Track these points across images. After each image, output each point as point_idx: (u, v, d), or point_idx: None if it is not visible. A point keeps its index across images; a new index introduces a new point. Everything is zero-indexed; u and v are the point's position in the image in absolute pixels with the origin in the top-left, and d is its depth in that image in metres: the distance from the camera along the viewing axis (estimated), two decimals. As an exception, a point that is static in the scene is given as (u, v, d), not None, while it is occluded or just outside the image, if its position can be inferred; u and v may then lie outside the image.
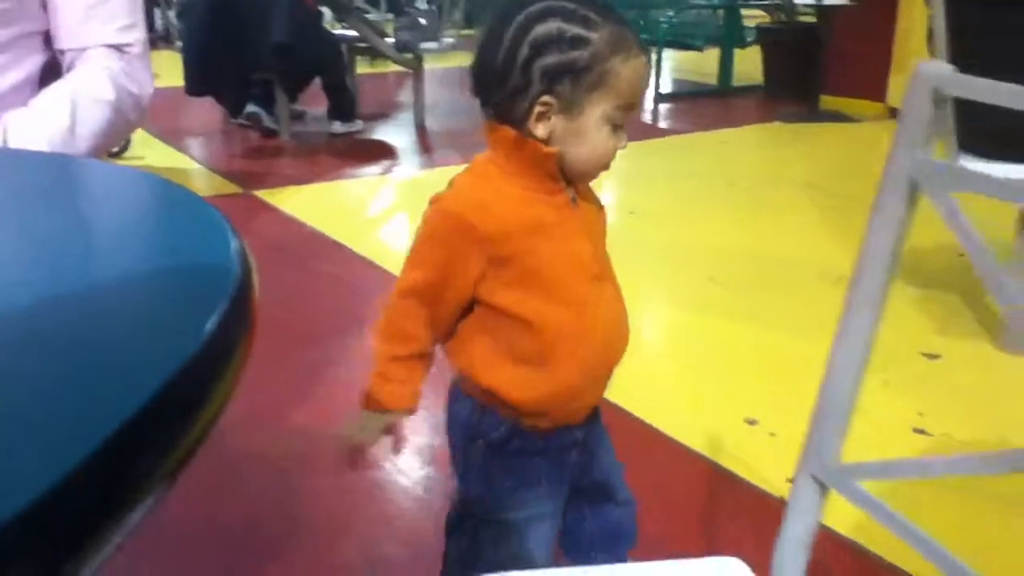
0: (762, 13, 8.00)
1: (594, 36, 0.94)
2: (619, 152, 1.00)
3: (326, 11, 6.10)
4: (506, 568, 0.95)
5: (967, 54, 2.17)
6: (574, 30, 0.94)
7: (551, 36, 0.94)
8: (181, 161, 4.82)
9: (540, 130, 0.96)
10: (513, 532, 1.11)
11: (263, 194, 4.06)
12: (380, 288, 2.94)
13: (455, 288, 1.00)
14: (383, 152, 5.17)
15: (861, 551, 1.55)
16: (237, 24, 4.83)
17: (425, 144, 5.41)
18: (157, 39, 9.66)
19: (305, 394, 2.20)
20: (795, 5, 5.83)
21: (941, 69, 0.64)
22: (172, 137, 5.17)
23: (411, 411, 1.09)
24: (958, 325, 2.48)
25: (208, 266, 0.51)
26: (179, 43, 5.24)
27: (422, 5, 12.83)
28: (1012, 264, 2.32)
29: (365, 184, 4.43)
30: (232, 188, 4.20)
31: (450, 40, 5.57)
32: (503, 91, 0.97)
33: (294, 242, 3.43)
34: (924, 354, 2.31)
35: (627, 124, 0.99)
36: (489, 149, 1.03)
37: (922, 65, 0.64)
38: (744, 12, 7.26)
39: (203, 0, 4.97)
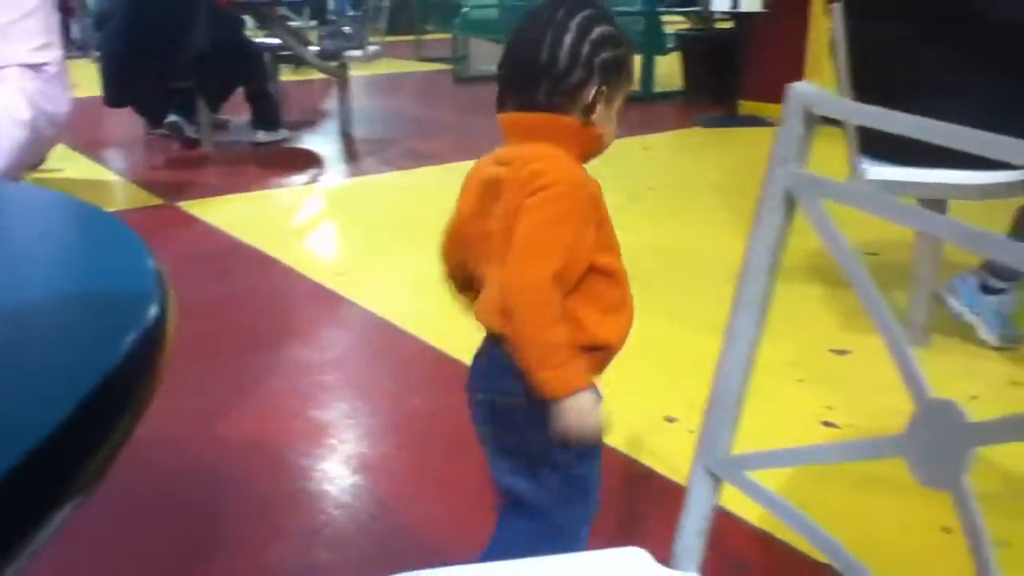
0: (682, 19, 8.18)
1: (625, 38, 1.15)
2: None
3: (248, 19, 6.05)
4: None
5: (864, 66, 2.29)
6: (617, 32, 1.14)
7: (605, 36, 1.12)
8: (101, 173, 4.73)
9: (596, 116, 1.12)
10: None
11: (186, 205, 4.02)
12: (306, 298, 2.94)
13: (581, 260, 1.09)
14: (309, 160, 5.14)
15: (769, 538, 1.63)
16: (155, 33, 4.75)
17: (352, 152, 5.41)
18: (74, 49, 9.42)
19: (232, 407, 2.20)
20: (712, 12, 5.99)
21: (810, 90, 0.70)
22: (91, 149, 5.07)
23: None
24: (865, 321, 2.59)
25: (122, 291, 0.53)
26: (96, 53, 5.13)
27: (346, 11, 12.76)
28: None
29: (291, 193, 4.40)
30: (154, 200, 4.14)
31: (375, 48, 5.57)
32: (566, 84, 1.11)
33: (217, 254, 3.41)
34: (833, 350, 2.42)
35: None
36: (544, 139, 1.13)
37: (794, 86, 0.70)
38: (664, 19, 7.42)
39: (120, 9, 4.89)
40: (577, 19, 1.11)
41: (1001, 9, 2.11)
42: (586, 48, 1.10)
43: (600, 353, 1.14)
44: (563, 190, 1.07)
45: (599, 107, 1.12)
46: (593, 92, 1.11)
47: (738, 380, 0.77)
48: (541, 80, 1.11)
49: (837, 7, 2.27)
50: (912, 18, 2.20)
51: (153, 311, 0.48)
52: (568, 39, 1.10)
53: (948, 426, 0.58)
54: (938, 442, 0.59)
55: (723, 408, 0.78)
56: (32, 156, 1.33)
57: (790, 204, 0.73)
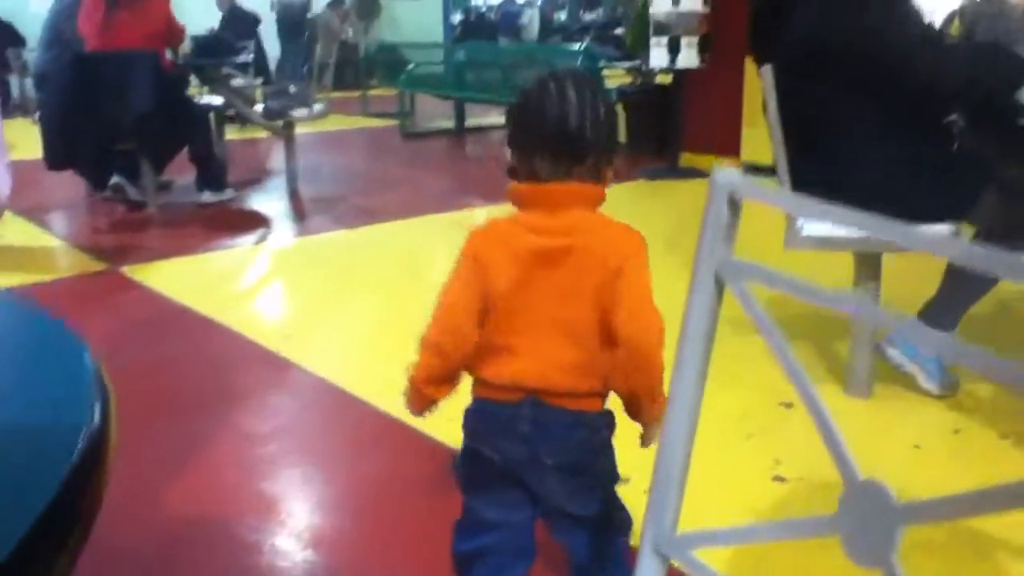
0: (622, 73, 8.37)
1: None
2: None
3: (192, 78, 6.04)
4: None
5: (793, 123, 2.38)
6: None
7: (612, 111, 1.28)
8: (42, 238, 4.65)
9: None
10: None
11: (129, 270, 3.96)
12: (252, 363, 2.91)
13: None
14: (255, 221, 5.12)
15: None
16: (97, 94, 4.72)
17: (299, 210, 5.40)
18: (14, 108, 9.31)
19: (172, 479, 2.14)
20: (651, 68, 6.14)
21: (735, 177, 0.73)
22: (32, 213, 4.98)
23: None
24: (811, 373, 2.64)
25: (60, 422, 0.52)
26: (37, 114, 5.08)
27: (299, 74, 12.79)
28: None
29: (237, 255, 4.37)
30: (96, 265, 4.08)
31: (320, 106, 5.60)
32: (606, 159, 1.26)
33: (160, 319, 3.36)
34: (780, 403, 2.45)
35: None
36: (586, 206, 1.25)
37: (718, 172, 0.73)
38: (605, 73, 7.59)
39: (60, 70, 4.86)
40: (594, 89, 1.25)
41: (912, 79, 2.22)
42: (608, 124, 1.25)
43: None
44: (644, 250, 1.26)
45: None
46: (610, 161, 1.27)
47: (680, 458, 0.79)
48: (589, 154, 1.23)
49: (766, 69, 2.35)
50: (835, 82, 2.29)
51: (88, 443, 0.48)
52: (602, 110, 1.24)
53: (877, 507, 0.59)
54: (868, 522, 0.60)
55: (667, 485, 0.79)
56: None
57: (719, 286, 0.75)
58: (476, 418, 1.31)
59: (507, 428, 1.26)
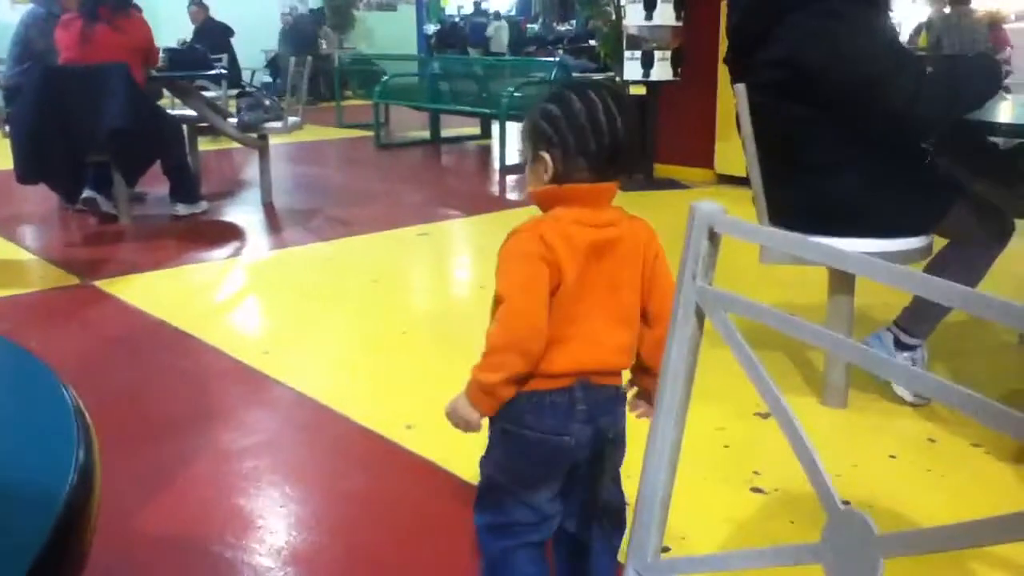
0: (598, 85, 8.38)
1: None
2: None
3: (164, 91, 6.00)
4: None
5: (764, 138, 2.41)
6: None
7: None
8: (13, 252, 4.59)
9: None
10: None
11: (102, 284, 3.93)
12: (229, 378, 2.89)
13: None
14: (230, 233, 5.09)
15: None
16: (68, 107, 4.68)
17: (274, 223, 5.37)
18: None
19: (148, 497, 2.12)
20: (626, 80, 6.18)
21: (714, 209, 0.74)
22: (2, 226, 4.93)
23: None
24: (785, 384, 2.67)
25: (39, 486, 0.51)
26: (7, 127, 5.02)
27: (264, 78, 12.73)
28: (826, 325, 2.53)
29: (212, 268, 4.35)
30: (69, 279, 4.03)
31: (295, 119, 5.58)
32: (642, 162, 1.46)
33: (135, 334, 3.33)
34: (757, 414, 2.48)
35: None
36: (612, 201, 1.36)
37: (698, 205, 0.74)
38: (581, 84, 7.61)
39: (32, 83, 4.80)
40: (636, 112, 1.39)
41: (881, 101, 2.26)
42: (643, 137, 1.39)
43: None
44: None
45: None
46: None
47: (663, 483, 0.79)
48: (635, 165, 1.36)
49: (740, 87, 2.38)
50: (813, 102, 2.33)
51: (70, 493, 0.48)
52: (640, 131, 1.41)
53: (859, 537, 0.60)
54: (850, 551, 0.61)
55: (649, 511, 0.80)
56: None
57: (700, 315, 0.76)
58: (538, 409, 1.34)
59: (569, 412, 1.34)
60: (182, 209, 5.25)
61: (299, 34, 12.87)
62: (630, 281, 1.34)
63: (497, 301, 1.31)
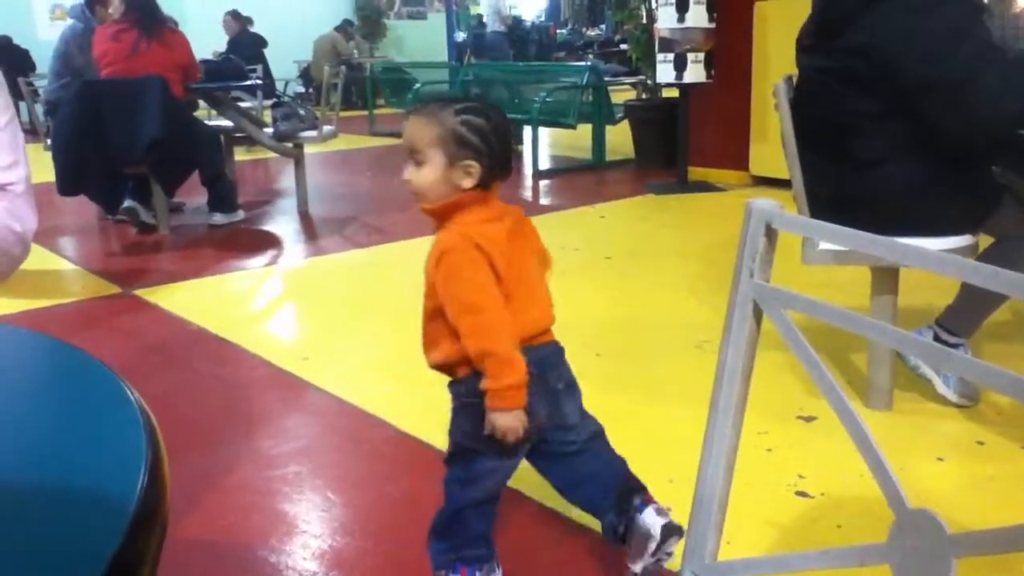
0: (629, 88, 8.39)
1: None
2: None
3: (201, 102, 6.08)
4: None
5: (806, 134, 2.38)
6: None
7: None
8: (55, 263, 4.67)
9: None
10: None
11: (143, 292, 3.98)
12: (270, 385, 2.91)
13: None
14: (267, 242, 5.14)
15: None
16: (106, 121, 4.75)
17: (310, 231, 5.41)
18: (24, 133, 9.37)
19: (193, 503, 2.15)
20: (658, 83, 6.16)
21: (770, 206, 0.73)
22: (44, 238, 5.01)
23: None
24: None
25: (112, 487, 0.51)
26: (47, 140, 5.11)
27: (297, 88, 12.86)
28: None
29: (250, 276, 4.39)
30: (110, 288, 4.09)
31: (330, 128, 5.62)
32: None
33: (178, 342, 3.37)
34: (800, 417, 2.45)
35: (411, 164, 1.52)
36: None
37: (754, 202, 0.73)
38: (612, 88, 7.61)
39: (71, 97, 4.89)
40: None
41: (956, 108, 2.17)
42: None
43: None
44: None
45: None
46: None
47: (720, 484, 0.79)
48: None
49: (781, 85, 2.36)
50: (876, 94, 2.27)
51: (138, 491, 0.48)
52: None
53: (930, 537, 0.59)
54: (921, 553, 0.60)
55: (706, 513, 0.79)
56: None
57: (758, 313, 0.75)
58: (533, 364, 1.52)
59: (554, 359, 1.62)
60: (219, 219, 5.31)
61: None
62: (533, 248, 1.60)
63: (467, 311, 1.48)
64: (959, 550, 0.58)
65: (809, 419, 2.44)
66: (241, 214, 5.43)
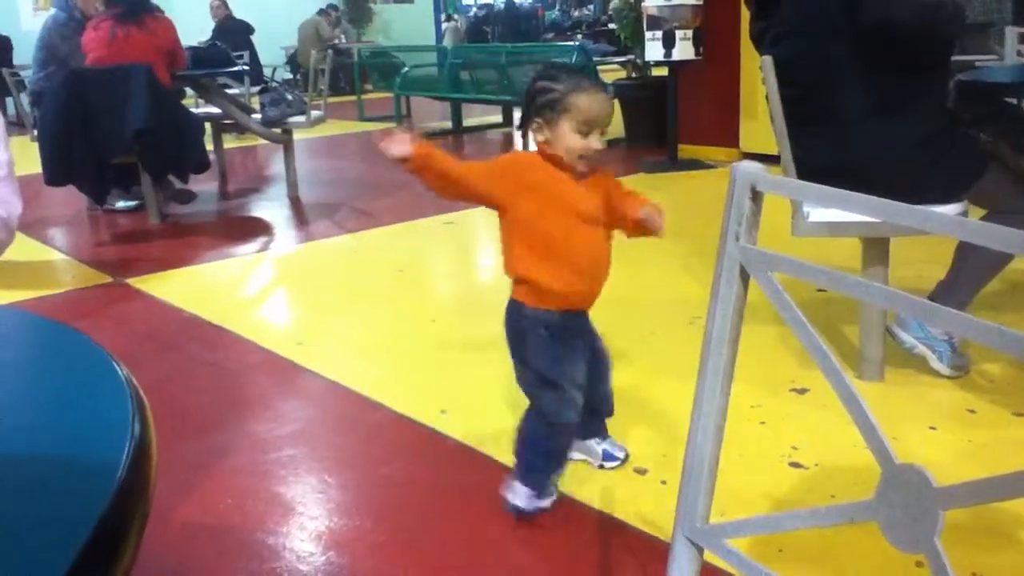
0: (618, 68, 8.36)
1: (559, 85, 1.76)
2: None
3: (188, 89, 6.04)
4: None
5: (793, 106, 2.40)
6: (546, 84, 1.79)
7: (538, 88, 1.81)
8: (45, 253, 4.65)
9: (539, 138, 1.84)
10: None
11: (134, 281, 3.97)
12: (264, 370, 2.91)
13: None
14: (258, 228, 5.12)
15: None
16: (92, 110, 4.72)
17: (300, 217, 5.40)
18: (10, 125, 9.31)
19: (189, 488, 2.15)
20: (647, 62, 6.14)
21: (755, 168, 0.73)
22: (34, 228, 4.99)
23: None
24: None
25: (98, 456, 0.51)
26: (34, 131, 5.08)
27: (285, 74, 12.79)
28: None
29: (242, 263, 4.38)
30: (102, 278, 4.08)
31: (318, 113, 5.60)
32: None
33: (170, 329, 3.36)
34: (793, 389, 2.46)
35: (597, 133, 1.81)
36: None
37: (739, 165, 0.73)
38: (601, 68, 7.58)
39: (56, 86, 4.85)
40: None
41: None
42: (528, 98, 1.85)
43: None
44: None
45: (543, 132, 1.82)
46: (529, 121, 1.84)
47: (710, 448, 0.79)
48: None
49: (767, 61, 2.35)
50: (839, 36, 2.32)
51: (133, 457, 0.48)
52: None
53: (916, 491, 0.60)
54: (908, 507, 0.61)
55: (698, 476, 0.79)
56: (-16, 258, 1.32)
57: (744, 277, 0.75)
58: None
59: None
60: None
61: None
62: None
63: None
64: (946, 502, 0.59)
65: (802, 391, 2.45)
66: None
